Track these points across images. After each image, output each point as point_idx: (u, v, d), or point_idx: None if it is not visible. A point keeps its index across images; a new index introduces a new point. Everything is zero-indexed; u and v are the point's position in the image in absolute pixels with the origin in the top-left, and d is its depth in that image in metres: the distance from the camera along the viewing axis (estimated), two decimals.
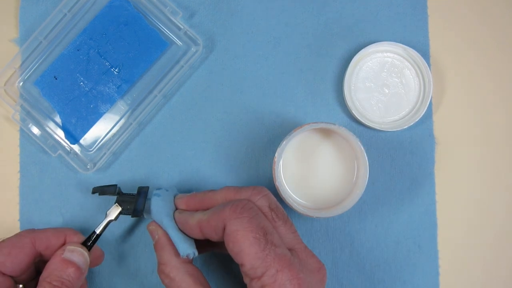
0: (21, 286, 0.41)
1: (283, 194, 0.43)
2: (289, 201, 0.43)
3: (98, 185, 0.45)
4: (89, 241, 0.42)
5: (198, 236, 0.40)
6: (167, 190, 0.44)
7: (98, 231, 0.42)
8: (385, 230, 0.48)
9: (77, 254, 0.40)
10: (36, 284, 0.39)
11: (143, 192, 0.44)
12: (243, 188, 0.40)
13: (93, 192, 0.44)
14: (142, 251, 0.48)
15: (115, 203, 0.44)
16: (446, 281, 0.48)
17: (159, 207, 0.42)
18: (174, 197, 0.44)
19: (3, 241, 0.40)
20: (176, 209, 0.43)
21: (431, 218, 0.49)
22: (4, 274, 0.39)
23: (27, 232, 0.41)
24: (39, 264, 0.42)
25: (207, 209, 0.40)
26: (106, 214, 0.43)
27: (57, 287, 0.38)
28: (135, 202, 0.44)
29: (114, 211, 0.43)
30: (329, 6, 0.50)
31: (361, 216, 0.49)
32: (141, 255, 0.48)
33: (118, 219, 0.43)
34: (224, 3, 0.50)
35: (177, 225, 0.41)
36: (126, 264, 0.48)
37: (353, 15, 0.50)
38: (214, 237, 0.38)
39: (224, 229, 0.37)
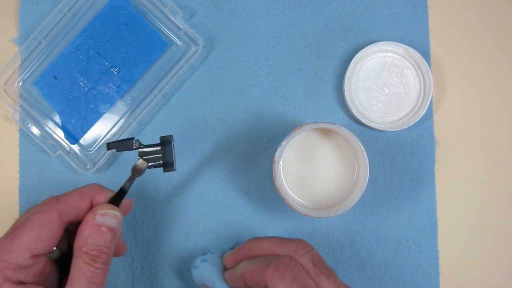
0: (54, 248, 0.38)
1: (283, 194, 0.43)
2: (289, 201, 0.43)
3: (113, 141, 0.41)
4: (118, 198, 0.39)
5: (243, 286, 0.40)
6: (213, 253, 0.44)
7: (126, 188, 0.39)
8: (386, 230, 0.48)
9: (109, 216, 0.38)
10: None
11: (167, 142, 0.41)
12: (288, 242, 0.40)
13: (109, 148, 0.40)
14: (142, 251, 0.48)
15: (138, 157, 0.40)
16: (447, 281, 0.48)
17: (209, 272, 0.42)
18: (222, 257, 0.43)
19: (28, 220, 0.37)
20: (226, 269, 0.43)
21: (432, 218, 0.49)
22: (37, 255, 0.37)
23: (51, 205, 0.37)
24: (68, 226, 0.40)
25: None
26: (132, 169, 0.40)
27: (96, 256, 0.36)
28: (163, 154, 0.41)
29: (141, 166, 0.40)
30: (329, 6, 0.50)
31: (361, 216, 0.48)
32: (141, 255, 0.48)
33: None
34: (224, 3, 0.49)
35: (229, 285, 0.41)
36: (126, 264, 0.48)
37: (353, 15, 0.50)
38: None
39: (266, 287, 0.37)
